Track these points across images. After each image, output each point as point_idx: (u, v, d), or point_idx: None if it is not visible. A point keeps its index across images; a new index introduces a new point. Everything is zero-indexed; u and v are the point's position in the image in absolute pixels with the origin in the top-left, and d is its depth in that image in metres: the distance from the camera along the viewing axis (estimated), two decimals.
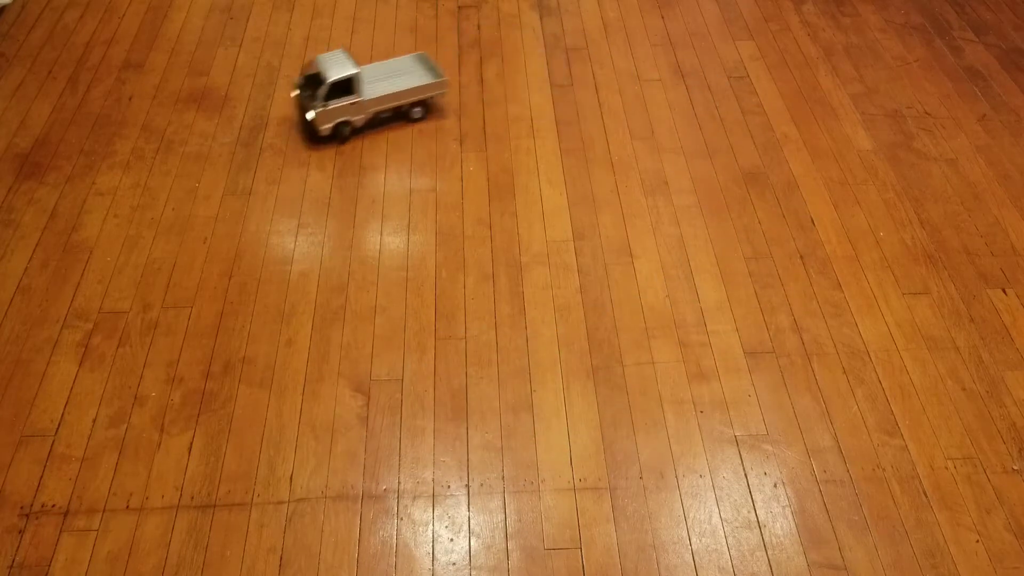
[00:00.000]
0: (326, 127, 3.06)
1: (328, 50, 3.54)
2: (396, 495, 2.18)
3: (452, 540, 2.10)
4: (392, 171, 3.06)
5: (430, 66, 3.25)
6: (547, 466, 2.24)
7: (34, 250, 2.75)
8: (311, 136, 3.14)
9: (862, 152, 3.19)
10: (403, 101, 3.15)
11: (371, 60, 3.53)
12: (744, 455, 2.28)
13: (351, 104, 3.05)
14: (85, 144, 3.13)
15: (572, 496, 2.18)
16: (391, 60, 3.28)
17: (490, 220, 2.88)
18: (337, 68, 3.00)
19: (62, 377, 2.40)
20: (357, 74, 3.00)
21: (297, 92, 3.10)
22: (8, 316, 2.55)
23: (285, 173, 3.03)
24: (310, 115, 3.01)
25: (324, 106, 3.01)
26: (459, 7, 3.85)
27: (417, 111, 3.20)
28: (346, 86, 3.01)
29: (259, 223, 2.85)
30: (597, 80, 3.48)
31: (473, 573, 2.04)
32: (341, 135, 3.12)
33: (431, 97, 3.20)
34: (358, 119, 3.11)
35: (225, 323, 2.54)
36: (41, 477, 2.18)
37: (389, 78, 3.20)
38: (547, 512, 2.15)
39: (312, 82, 3.08)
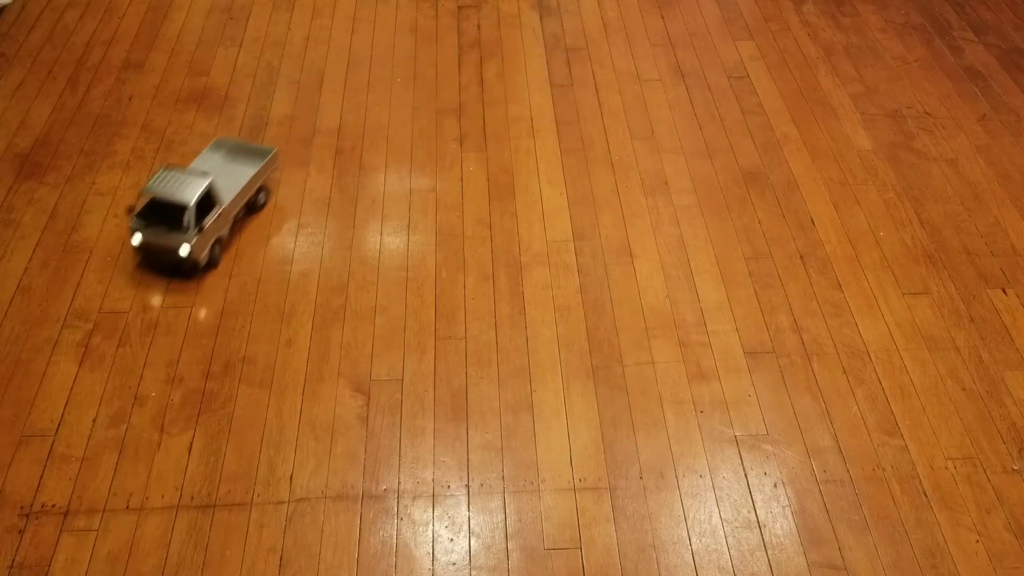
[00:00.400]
0: (204, 255, 2.61)
1: (328, 49, 3.55)
2: (396, 495, 2.18)
3: (452, 540, 2.10)
4: (392, 171, 3.06)
5: (243, 147, 2.88)
6: (547, 466, 2.24)
7: (34, 250, 2.75)
8: (182, 274, 2.64)
9: (862, 152, 3.19)
10: (251, 191, 2.78)
11: (370, 60, 3.53)
12: (744, 455, 2.28)
13: (218, 218, 2.61)
14: (85, 144, 3.13)
15: (572, 496, 2.18)
16: (201, 158, 2.85)
17: (490, 220, 2.88)
18: (188, 187, 2.54)
19: (62, 377, 2.40)
20: (212, 180, 2.58)
21: (139, 234, 2.56)
22: (8, 316, 2.55)
23: (285, 173, 3.03)
24: (184, 250, 2.52)
25: (199, 231, 2.53)
26: (459, 7, 3.85)
27: (262, 196, 2.86)
28: (207, 201, 2.58)
29: (259, 223, 2.85)
30: (597, 80, 3.48)
31: (473, 573, 2.04)
32: (214, 259, 2.67)
33: (269, 177, 2.88)
34: (224, 231, 2.68)
35: (225, 323, 2.54)
36: (41, 477, 2.18)
37: (225, 175, 2.76)
38: (547, 512, 2.15)
39: (155, 214, 2.58)
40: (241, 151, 2.86)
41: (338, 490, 2.18)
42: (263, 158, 2.84)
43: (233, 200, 2.69)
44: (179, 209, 2.54)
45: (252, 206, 2.84)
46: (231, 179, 2.74)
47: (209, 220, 2.58)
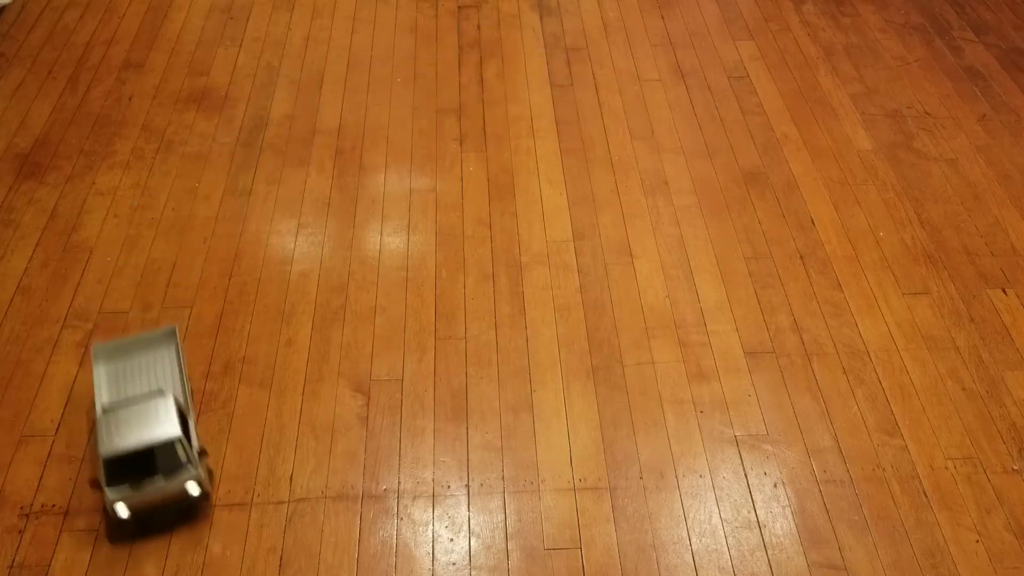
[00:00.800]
0: (207, 475, 2.11)
1: (328, 49, 3.55)
2: (396, 495, 2.18)
3: (452, 540, 2.10)
4: (392, 171, 3.06)
5: (133, 340, 2.22)
6: (547, 466, 2.24)
7: (34, 250, 2.75)
8: (192, 515, 2.13)
9: (862, 152, 3.19)
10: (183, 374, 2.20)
11: (370, 60, 3.53)
12: (744, 455, 2.28)
13: (194, 424, 2.16)
14: (85, 144, 3.13)
15: (572, 496, 2.18)
16: (98, 376, 2.18)
17: (490, 220, 2.88)
18: (153, 420, 1.98)
19: (62, 377, 2.40)
20: (172, 398, 2.04)
21: (123, 504, 1.98)
22: (8, 316, 2.55)
23: (285, 173, 3.03)
24: (195, 490, 2.03)
25: (201, 452, 2.08)
26: (459, 7, 3.85)
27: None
28: (183, 418, 2.09)
29: (259, 223, 2.85)
30: (597, 80, 3.48)
31: (473, 573, 2.04)
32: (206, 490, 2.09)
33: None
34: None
35: (225, 323, 2.54)
36: (41, 477, 2.18)
37: (150, 374, 2.19)
38: (547, 512, 2.15)
39: (135, 470, 2.01)
40: (131, 345, 2.22)
41: (338, 490, 2.18)
42: (169, 344, 2.23)
43: (185, 393, 2.17)
44: (167, 448, 1.99)
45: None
46: (163, 374, 2.18)
47: (194, 435, 2.08)
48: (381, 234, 2.83)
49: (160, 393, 2.04)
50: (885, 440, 2.31)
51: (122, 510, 1.98)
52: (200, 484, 2.03)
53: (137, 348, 2.21)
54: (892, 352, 2.52)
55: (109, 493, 1.98)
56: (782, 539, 2.11)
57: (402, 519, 2.13)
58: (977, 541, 2.11)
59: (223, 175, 3.02)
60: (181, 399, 2.13)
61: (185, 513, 2.10)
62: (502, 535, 2.11)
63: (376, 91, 3.39)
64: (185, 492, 2.02)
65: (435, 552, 2.07)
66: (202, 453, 2.08)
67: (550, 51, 3.62)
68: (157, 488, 1.99)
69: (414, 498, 2.17)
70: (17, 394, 2.36)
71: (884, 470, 2.24)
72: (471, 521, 2.13)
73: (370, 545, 2.08)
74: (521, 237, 2.82)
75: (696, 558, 2.07)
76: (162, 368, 2.18)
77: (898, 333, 2.57)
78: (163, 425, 1.97)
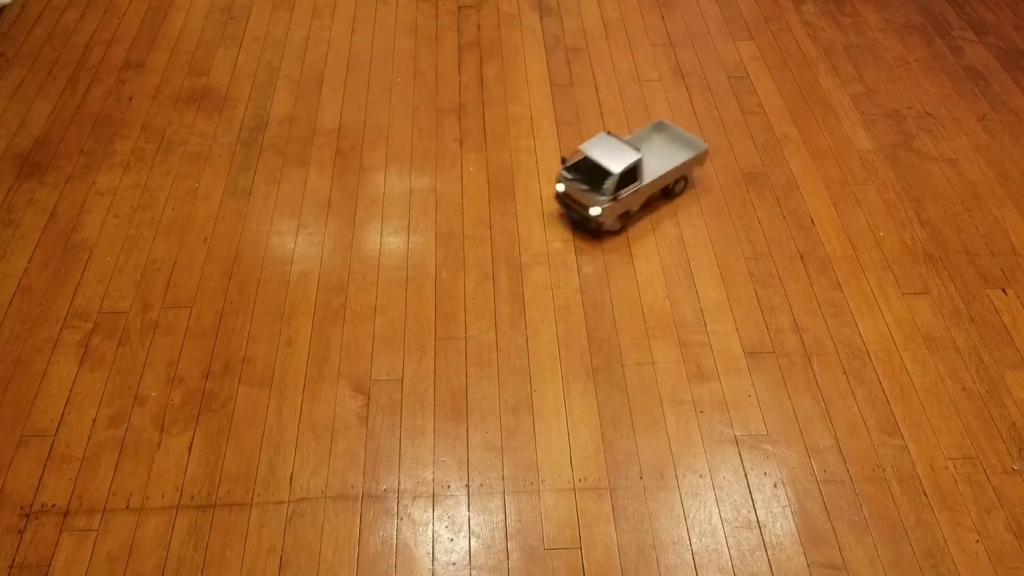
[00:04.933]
0: (612, 222, 2.77)
1: (328, 49, 3.55)
2: (396, 495, 2.18)
3: (452, 540, 2.10)
4: (392, 171, 3.06)
5: (680, 135, 3.00)
6: (547, 466, 2.24)
7: (34, 250, 2.75)
8: (589, 231, 2.82)
9: (862, 152, 3.19)
10: (672, 179, 2.89)
11: (370, 60, 3.54)
12: (744, 455, 2.28)
13: (634, 193, 2.76)
14: (85, 144, 3.13)
15: (572, 496, 2.18)
16: (639, 134, 3.01)
17: (490, 220, 2.88)
18: (618, 157, 2.70)
19: (62, 377, 2.40)
20: (640, 159, 2.72)
21: (563, 186, 2.77)
22: (8, 316, 2.55)
23: (285, 173, 3.03)
24: (595, 211, 2.69)
25: (613, 199, 2.69)
26: (459, 7, 3.85)
27: (680, 184, 2.94)
28: (630, 175, 2.73)
29: (259, 223, 2.85)
30: (597, 80, 3.48)
31: (473, 573, 2.04)
32: (621, 228, 2.84)
33: (692, 169, 2.95)
34: (634, 206, 2.81)
35: (225, 323, 2.54)
36: (41, 477, 2.18)
37: (654, 156, 2.94)
38: (547, 512, 2.15)
39: (586, 173, 2.75)
40: (677, 139, 3.01)
41: (338, 490, 2.18)
42: (692, 151, 2.96)
43: (652, 181, 2.81)
44: (604, 174, 2.70)
45: (669, 191, 2.95)
46: (658, 162, 2.91)
47: (625, 193, 2.73)
48: (381, 234, 2.83)
49: (636, 152, 2.72)
50: (885, 440, 2.31)
51: (559, 187, 2.79)
52: (601, 214, 2.69)
53: (675, 140, 3.02)
54: (892, 352, 2.52)
55: (562, 171, 2.79)
56: (782, 539, 2.11)
57: (402, 519, 2.13)
58: (977, 541, 2.11)
59: (223, 175, 3.02)
60: (648, 178, 2.80)
61: (584, 226, 2.84)
62: (502, 535, 2.11)
63: (376, 91, 3.39)
64: (589, 209, 2.71)
65: (435, 552, 2.07)
66: (625, 214, 2.79)
67: (550, 51, 3.62)
68: (580, 192, 2.72)
69: (414, 498, 2.17)
70: (17, 394, 2.36)
71: (884, 470, 2.24)
72: (471, 521, 2.13)
73: (370, 545, 2.08)
74: (521, 237, 2.82)
75: (696, 558, 2.07)
76: (668, 158, 2.95)
77: (898, 333, 2.57)
78: (615, 163, 2.69)
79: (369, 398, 2.37)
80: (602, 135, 2.79)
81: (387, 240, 2.81)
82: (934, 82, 3.51)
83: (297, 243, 2.79)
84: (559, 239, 2.81)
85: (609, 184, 2.68)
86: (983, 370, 2.48)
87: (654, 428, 2.32)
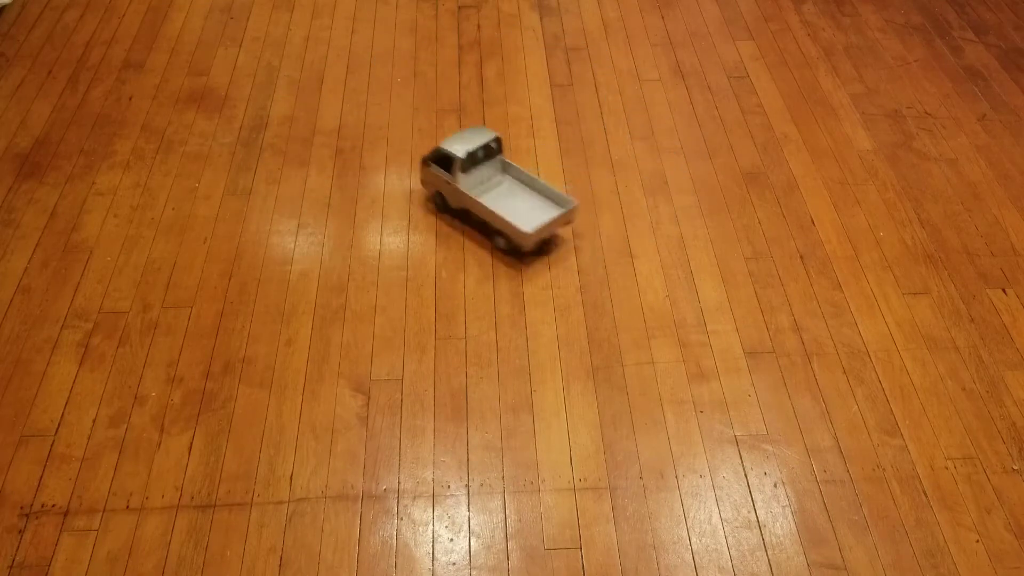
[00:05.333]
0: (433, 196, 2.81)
1: (328, 49, 3.56)
2: (396, 495, 2.18)
3: (452, 540, 2.10)
4: (392, 171, 3.06)
5: (553, 195, 2.81)
6: (547, 466, 2.24)
7: (34, 250, 2.75)
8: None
9: (862, 152, 3.19)
10: (487, 219, 2.74)
11: (370, 60, 3.54)
12: (744, 455, 2.28)
13: (447, 183, 2.76)
14: (85, 144, 3.13)
15: (572, 496, 2.18)
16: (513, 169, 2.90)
17: None
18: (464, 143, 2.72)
19: (62, 377, 2.40)
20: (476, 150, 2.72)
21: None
22: (8, 316, 2.55)
23: (285, 173, 3.03)
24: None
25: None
26: (459, 7, 3.85)
27: (499, 240, 2.74)
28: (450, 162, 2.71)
29: (259, 223, 2.85)
30: (597, 80, 3.48)
31: (473, 573, 2.04)
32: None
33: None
34: (455, 203, 2.80)
35: (225, 323, 2.54)
36: (41, 477, 2.18)
37: (501, 193, 2.83)
38: (547, 512, 2.15)
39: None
40: (547, 197, 2.83)
41: (338, 490, 2.18)
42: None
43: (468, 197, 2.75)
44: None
45: (487, 230, 2.79)
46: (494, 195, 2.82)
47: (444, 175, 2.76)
48: (381, 234, 2.83)
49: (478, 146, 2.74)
50: (885, 440, 2.31)
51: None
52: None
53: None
54: (892, 352, 2.52)
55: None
56: (782, 539, 2.11)
57: (402, 519, 2.13)
58: (977, 541, 2.11)
59: (223, 175, 3.02)
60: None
61: None
62: (502, 535, 2.11)
63: (376, 91, 3.39)
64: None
65: (435, 552, 2.07)
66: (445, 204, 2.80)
67: (550, 51, 3.62)
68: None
69: (414, 498, 2.17)
70: (17, 394, 2.36)
71: (884, 470, 2.24)
72: (471, 521, 2.13)
73: (370, 545, 2.08)
74: None
75: (696, 558, 2.07)
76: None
77: (898, 333, 2.57)
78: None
79: (369, 398, 2.37)
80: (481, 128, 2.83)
81: (387, 240, 2.81)
82: (934, 82, 3.51)
83: (297, 243, 2.79)
84: (559, 238, 2.81)
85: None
86: (983, 370, 2.48)
87: (654, 428, 2.32)
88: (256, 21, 3.74)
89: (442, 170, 2.77)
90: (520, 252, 2.73)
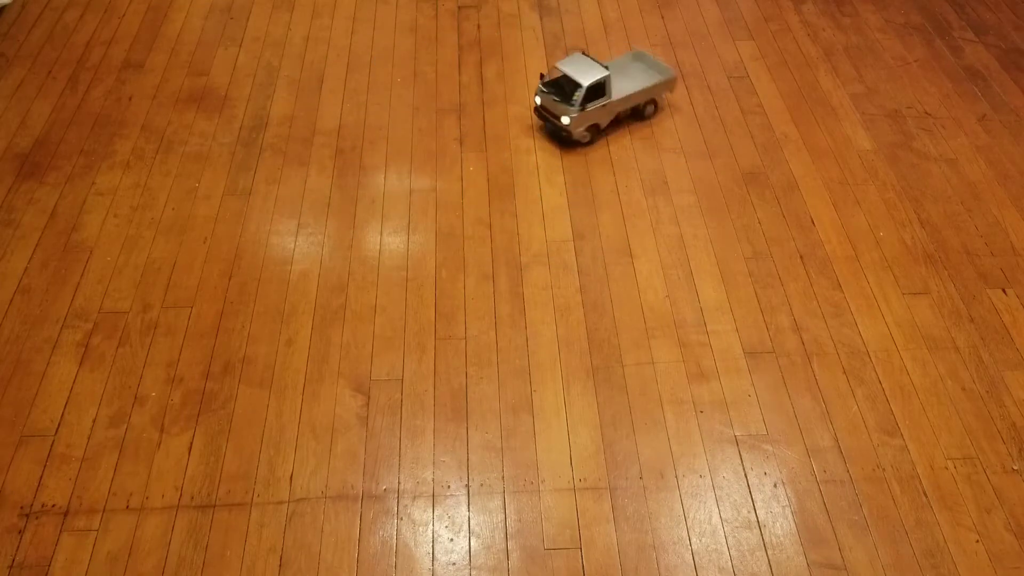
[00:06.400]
0: (581, 132, 3.08)
1: (328, 49, 3.55)
2: (396, 495, 2.18)
3: (452, 540, 2.10)
4: (392, 171, 3.06)
5: (654, 64, 3.28)
6: (547, 466, 2.24)
7: (34, 250, 2.75)
8: (561, 141, 3.16)
9: (862, 152, 3.19)
10: (641, 100, 3.19)
11: (370, 60, 3.54)
12: (744, 455, 2.28)
13: (602, 107, 3.07)
14: (85, 144, 3.13)
15: (572, 496, 2.18)
16: (616, 60, 3.31)
17: (490, 220, 2.88)
18: (587, 72, 3.01)
19: (62, 377, 2.40)
20: (608, 76, 3.03)
21: (540, 99, 3.12)
22: (8, 316, 2.55)
23: (285, 173, 3.03)
24: (565, 120, 3.02)
25: (581, 110, 3.01)
26: (459, 7, 3.85)
27: (650, 108, 3.25)
28: (598, 89, 3.03)
29: (259, 223, 2.85)
30: None
31: (473, 573, 2.04)
32: (591, 140, 3.15)
33: (661, 94, 3.25)
34: (605, 120, 3.13)
35: (225, 323, 2.54)
36: (41, 477, 2.18)
37: (626, 79, 3.21)
38: (547, 512, 2.15)
39: (560, 87, 3.08)
40: (650, 66, 3.29)
41: (338, 490, 2.18)
42: (659, 77, 3.23)
43: (620, 99, 3.11)
44: (575, 87, 3.02)
45: (639, 112, 3.25)
46: (628, 83, 3.17)
47: (593, 106, 3.04)
48: (381, 234, 2.83)
49: (605, 70, 3.03)
50: (885, 440, 2.31)
51: (536, 100, 3.16)
52: (570, 124, 3.03)
53: (648, 66, 3.31)
54: (892, 352, 2.52)
55: (539, 86, 3.13)
56: (782, 539, 2.11)
57: (402, 519, 2.13)
58: (977, 541, 2.11)
59: (223, 175, 3.02)
60: (616, 95, 3.10)
61: (556, 136, 3.18)
62: (502, 535, 2.11)
63: (376, 91, 3.39)
64: (560, 118, 3.05)
65: (435, 552, 2.07)
66: (595, 127, 3.12)
67: (550, 51, 3.62)
68: (553, 103, 3.07)
69: (414, 498, 2.17)
70: (17, 394, 2.36)
71: (884, 470, 2.24)
72: (471, 521, 2.13)
73: (370, 545, 2.08)
74: (521, 237, 2.82)
75: (696, 558, 2.07)
76: (637, 80, 3.22)
77: (898, 333, 2.57)
78: (583, 76, 3.01)
79: (369, 398, 2.37)
80: (577, 54, 3.11)
81: (387, 240, 2.81)
82: (934, 82, 3.51)
83: (297, 243, 2.79)
84: (559, 238, 2.81)
85: (578, 96, 2.99)
86: (983, 370, 2.48)
87: (654, 428, 2.32)
88: (256, 21, 3.74)
89: (592, 100, 3.05)
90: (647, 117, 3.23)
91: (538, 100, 3.14)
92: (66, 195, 2.93)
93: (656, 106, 3.28)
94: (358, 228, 2.85)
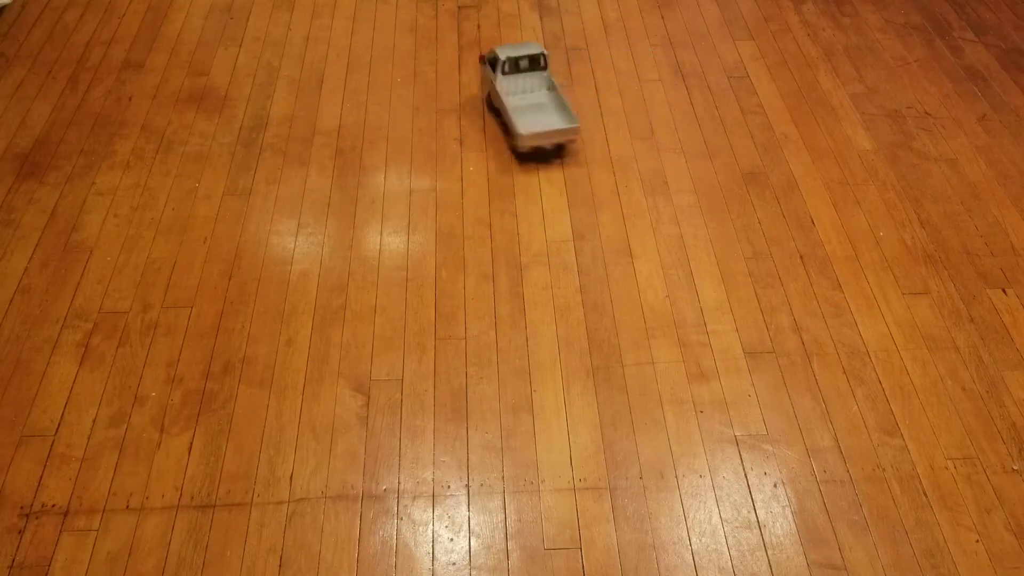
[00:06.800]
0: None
1: (328, 49, 3.56)
2: (396, 495, 2.18)
3: (452, 540, 2.10)
4: (392, 171, 3.06)
5: (562, 106, 3.17)
6: (547, 466, 2.24)
7: (34, 250, 2.75)
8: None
9: (862, 152, 3.19)
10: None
11: (370, 60, 3.54)
12: (744, 455, 2.28)
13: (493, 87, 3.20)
14: (85, 144, 3.13)
15: (572, 496, 2.18)
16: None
17: (490, 220, 2.88)
18: (517, 51, 3.15)
19: (62, 377, 2.40)
20: (529, 56, 3.16)
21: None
22: (8, 316, 2.55)
23: (285, 173, 3.03)
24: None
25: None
26: (459, 7, 3.85)
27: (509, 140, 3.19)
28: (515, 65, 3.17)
29: (259, 223, 2.85)
30: (597, 80, 3.48)
31: (473, 573, 2.04)
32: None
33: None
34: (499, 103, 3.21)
35: (225, 323, 2.54)
36: (41, 477, 2.18)
37: (537, 111, 3.19)
38: (547, 512, 2.15)
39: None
40: (558, 108, 3.22)
41: (338, 490, 2.18)
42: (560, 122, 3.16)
43: (504, 100, 3.15)
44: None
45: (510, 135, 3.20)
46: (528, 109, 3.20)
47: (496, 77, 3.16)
48: (381, 234, 2.83)
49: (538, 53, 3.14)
50: (885, 440, 2.31)
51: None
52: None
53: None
54: (892, 352, 2.52)
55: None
56: (782, 539, 2.11)
57: (402, 519, 2.13)
58: (977, 541, 2.11)
59: (223, 175, 3.02)
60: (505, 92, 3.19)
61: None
62: (502, 535, 2.11)
63: (376, 91, 3.39)
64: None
65: (435, 552, 2.07)
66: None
67: (550, 51, 3.62)
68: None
69: (414, 498, 2.17)
70: (17, 394, 2.36)
71: (884, 470, 2.24)
72: (471, 521, 2.13)
73: (370, 545, 2.08)
74: (521, 237, 2.82)
75: (696, 558, 2.07)
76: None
77: (898, 333, 2.57)
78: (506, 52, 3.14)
79: (369, 398, 2.37)
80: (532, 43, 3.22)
81: (387, 240, 2.81)
82: (934, 82, 3.51)
83: (297, 243, 2.79)
84: (559, 238, 2.81)
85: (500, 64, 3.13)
86: (983, 370, 2.48)
87: (654, 428, 2.32)
88: (256, 21, 3.74)
89: (491, 70, 3.18)
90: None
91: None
92: (66, 195, 2.93)
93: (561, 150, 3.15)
94: (358, 228, 2.85)
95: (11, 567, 2.02)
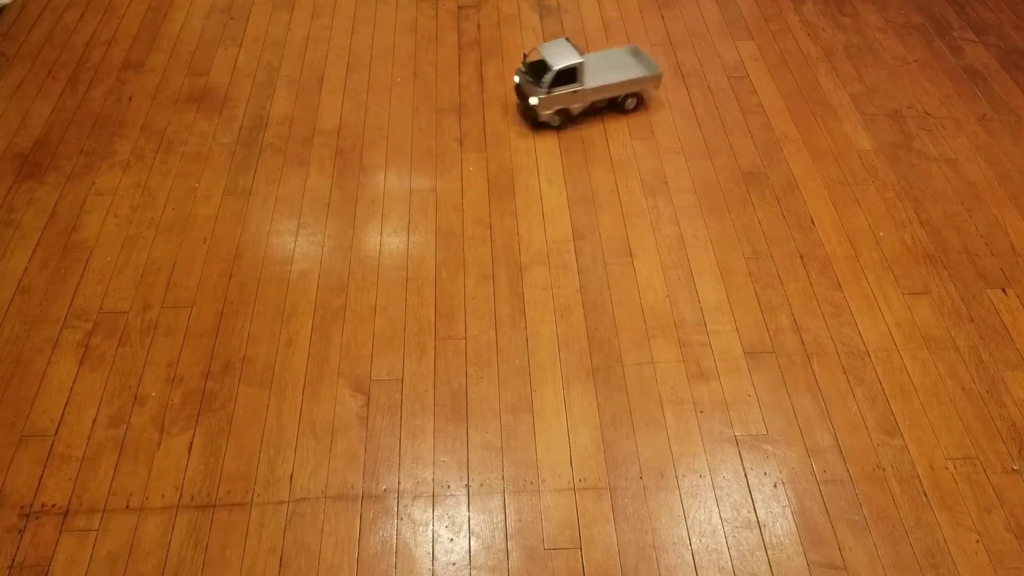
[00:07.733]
0: (549, 114, 3.15)
1: (328, 49, 3.55)
2: (396, 495, 2.18)
3: (452, 540, 2.10)
4: (392, 171, 3.06)
5: (644, 59, 3.31)
6: (547, 466, 2.24)
7: (34, 250, 2.75)
8: (532, 121, 3.23)
9: (862, 152, 3.19)
10: (619, 92, 3.23)
11: (370, 60, 3.54)
12: (744, 455, 2.28)
13: (572, 93, 3.13)
14: (85, 144, 3.13)
15: (572, 496, 2.18)
16: (607, 51, 3.36)
17: (490, 220, 2.88)
18: (560, 57, 3.09)
19: (62, 377, 2.40)
20: (581, 64, 3.09)
21: (518, 78, 3.19)
22: (8, 316, 2.55)
23: (285, 173, 3.03)
24: (533, 100, 3.10)
25: (548, 93, 3.08)
26: (459, 7, 3.85)
27: (630, 101, 3.28)
28: (568, 75, 3.10)
29: (259, 223, 2.85)
30: None
31: (473, 573, 2.04)
32: (559, 124, 3.23)
33: (644, 89, 3.28)
34: (576, 107, 3.19)
35: (225, 323, 2.54)
36: (41, 477, 2.18)
37: (608, 69, 3.25)
38: (547, 512, 2.15)
39: (536, 69, 3.17)
40: (640, 61, 3.32)
41: (338, 490, 2.18)
42: (642, 72, 3.25)
43: (594, 88, 3.16)
44: (546, 69, 3.11)
45: (616, 104, 3.29)
46: (608, 73, 3.23)
47: (561, 90, 3.11)
48: (381, 234, 2.83)
49: (580, 57, 3.09)
50: (885, 440, 2.31)
51: (515, 79, 3.23)
52: (537, 105, 3.10)
53: (635, 60, 3.33)
54: (892, 352, 2.52)
55: (520, 66, 3.24)
56: (782, 539, 2.11)
57: (402, 519, 2.13)
58: (977, 541, 2.11)
59: (223, 175, 3.02)
60: (590, 84, 3.16)
61: (526, 115, 3.26)
62: (502, 535, 2.11)
63: (376, 91, 3.39)
64: (528, 97, 3.14)
65: (435, 552, 2.07)
66: (563, 111, 3.19)
67: None
68: (527, 83, 3.16)
69: (414, 498, 2.17)
70: (17, 394, 2.36)
71: (884, 470, 2.24)
72: (471, 521, 2.13)
73: (370, 545, 2.08)
74: (521, 237, 2.82)
75: (696, 558, 2.07)
76: (618, 72, 3.25)
77: (898, 333, 2.57)
78: (555, 60, 3.09)
79: (369, 398, 2.37)
80: (561, 39, 3.17)
81: (387, 240, 2.81)
82: (934, 82, 3.51)
83: (297, 243, 2.79)
84: (559, 238, 2.81)
85: (547, 78, 3.07)
86: (983, 370, 2.48)
87: (654, 428, 2.32)
88: (256, 21, 3.74)
89: (562, 85, 3.12)
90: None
91: (516, 79, 3.22)
92: (66, 195, 2.93)
93: (638, 100, 3.30)
94: (358, 228, 2.85)
95: (11, 567, 2.02)
